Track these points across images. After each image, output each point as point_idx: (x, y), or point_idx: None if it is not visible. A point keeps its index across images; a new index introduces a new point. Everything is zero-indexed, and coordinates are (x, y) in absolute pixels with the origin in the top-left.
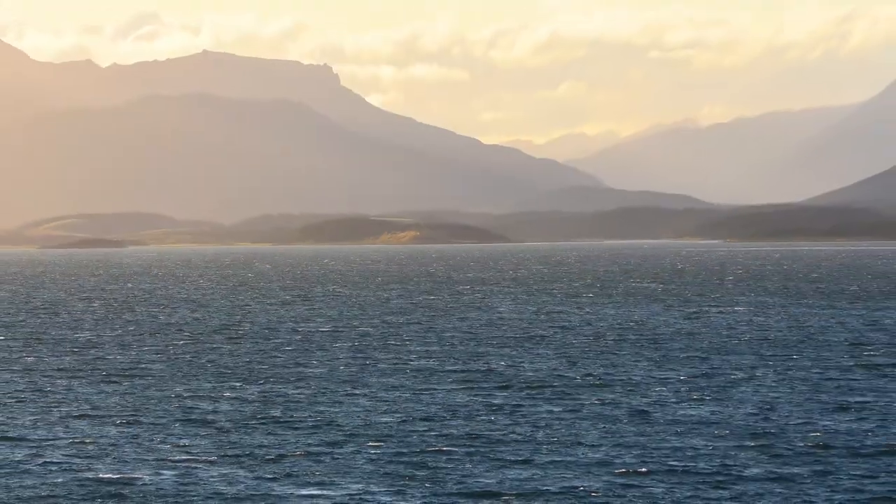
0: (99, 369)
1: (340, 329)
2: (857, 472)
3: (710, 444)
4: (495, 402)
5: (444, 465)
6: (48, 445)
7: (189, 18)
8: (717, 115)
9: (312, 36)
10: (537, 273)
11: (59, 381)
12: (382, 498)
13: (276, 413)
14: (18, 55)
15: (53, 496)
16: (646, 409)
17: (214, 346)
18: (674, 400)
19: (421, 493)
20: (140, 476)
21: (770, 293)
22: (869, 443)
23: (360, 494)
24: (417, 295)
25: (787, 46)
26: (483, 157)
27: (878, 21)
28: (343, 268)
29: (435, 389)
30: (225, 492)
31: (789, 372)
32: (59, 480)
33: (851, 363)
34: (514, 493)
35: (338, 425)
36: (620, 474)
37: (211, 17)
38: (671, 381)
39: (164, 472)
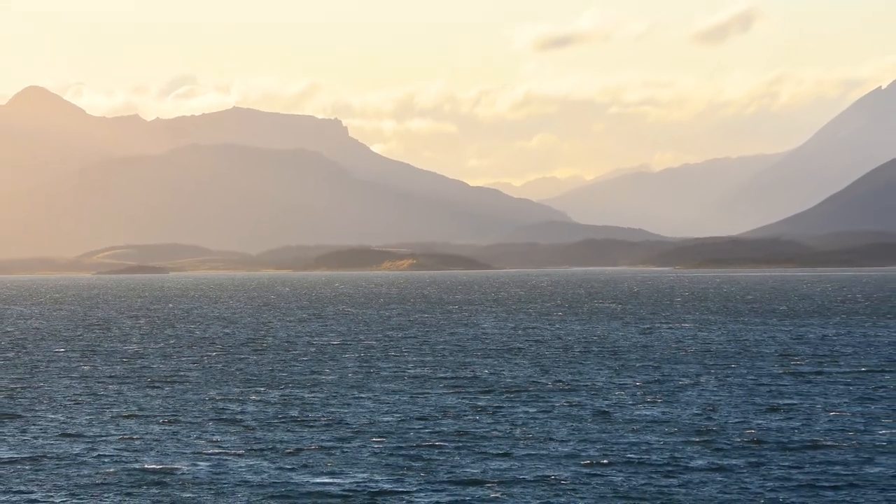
0: (144, 376)
1: (348, 342)
2: (786, 464)
3: (661, 439)
4: (479, 404)
5: (436, 457)
6: (101, 441)
7: (221, 80)
8: (668, 161)
9: (325, 95)
10: (515, 295)
11: (110, 386)
12: (384, 485)
13: (294, 413)
14: (77, 111)
15: (106, 484)
16: (607, 409)
17: (242, 356)
18: (631, 402)
19: (417, 481)
20: (179, 467)
21: (712, 312)
22: (795, 439)
23: (365, 482)
24: (414, 313)
25: (727, 104)
26: (470, 197)
27: (802, 83)
28: (351, 290)
29: (429, 393)
30: (251, 480)
31: (728, 378)
32: (111, 470)
33: (780, 371)
34: (495, 480)
35: (346, 423)
36: (585, 465)
37: (240, 78)
38: (628, 386)
39: (200, 463)
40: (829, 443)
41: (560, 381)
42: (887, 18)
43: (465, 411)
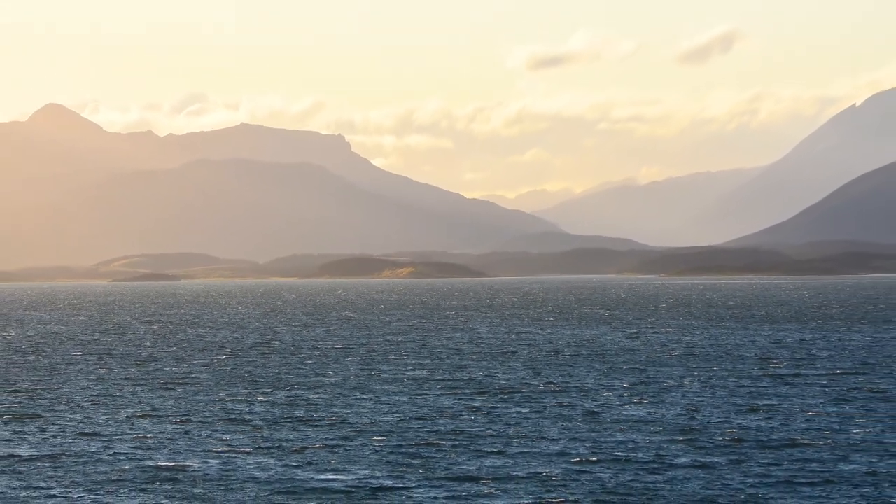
0: (157, 378)
1: (351, 346)
2: (765, 461)
3: (647, 438)
4: (475, 404)
5: (433, 455)
6: (116, 439)
7: (230, 97)
8: (654, 174)
9: (329, 111)
10: (509, 301)
11: (125, 387)
12: (385, 482)
13: (300, 413)
14: (94, 127)
15: (121, 480)
16: (595, 410)
17: (250, 359)
18: (618, 403)
19: (415, 477)
20: (191, 464)
21: (695, 317)
22: (774, 437)
23: (366, 479)
24: (413, 319)
25: (709, 120)
26: (465, 208)
27: (780, 101)
28: (353, 297)
29: (427, 394)
30: (258, 476)
31: (710, 380)
32: (126, 468)
33: (760, 373)
34: (490, 477)
35: (349, 423)
36: (575, 462)
37: (248, 96)
38: (616, 387)
39: (210, 461)
40: (805, 441)
41: (551, 382)
42: (860, 40)
43: (462, 412)
